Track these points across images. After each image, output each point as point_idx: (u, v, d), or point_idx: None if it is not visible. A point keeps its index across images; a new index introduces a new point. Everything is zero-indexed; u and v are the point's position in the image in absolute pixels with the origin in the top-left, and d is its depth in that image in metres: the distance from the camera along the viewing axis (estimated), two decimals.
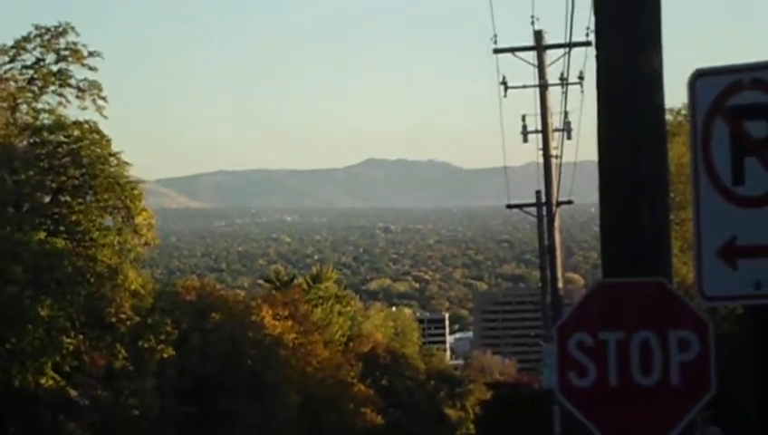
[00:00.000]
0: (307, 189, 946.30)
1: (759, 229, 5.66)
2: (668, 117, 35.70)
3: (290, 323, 49.29)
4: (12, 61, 37.43)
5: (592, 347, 6.26)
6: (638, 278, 6.50)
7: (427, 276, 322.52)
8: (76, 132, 36.97)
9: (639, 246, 6.89)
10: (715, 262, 5.73)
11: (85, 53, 37.57)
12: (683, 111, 36.68)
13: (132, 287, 37.46)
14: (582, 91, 31.12)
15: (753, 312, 5.66)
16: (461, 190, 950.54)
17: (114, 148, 37.77)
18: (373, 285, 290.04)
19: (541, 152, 32.14)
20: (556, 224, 33.87)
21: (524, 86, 32.36)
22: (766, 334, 5.62)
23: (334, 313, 66.54)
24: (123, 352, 36.51)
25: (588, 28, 27.76)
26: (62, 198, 37.50)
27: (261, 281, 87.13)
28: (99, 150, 37.06)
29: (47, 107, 37.89)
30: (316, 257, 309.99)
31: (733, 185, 5.71)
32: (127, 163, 38.02)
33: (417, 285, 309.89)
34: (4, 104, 36.92)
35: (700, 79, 5.87)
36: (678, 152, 32.11)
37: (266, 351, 44.18)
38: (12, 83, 37.39)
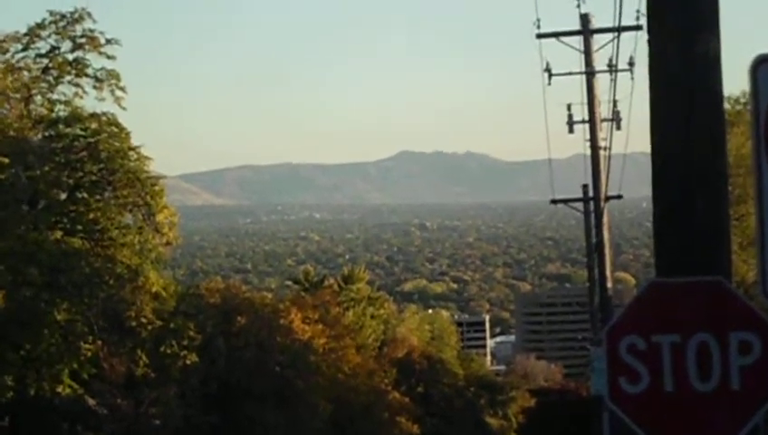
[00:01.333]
0: (337, 185, 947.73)
1: None
2: (726, 106, 35.44)
3: (320, 326, 49.40)
4: (25, 49, 37.39)
5: (645, 351, 6.24)
6: (694, 277, 6.45)
7: (465, 277, 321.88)
8: (93, 125, 37.08)
9: (696, 241, 6.77)
10: None
11: (102, 41, 37.56)
12: (741, 100, 36.41)
13: (153, 289, 37.63)
14: (632, 79, 30.94)
15: None
16: (502, 184, 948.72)
17: (134, 141, 37.95)
18: (408, 286, 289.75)
19: (588, 144, 31.98)
20: (604, 220, 33.72)
21: (570, 73, 32.22)
22: None
23: (367, 316, 66.63)
24: (144, 358, 36.71)
25: (638, 11, 27.59)
26: (80, 195, 37.67)
27: (289, 282, 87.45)
28: (117, 144, 37.19)
29: (63, 98, 38.02)
30: (347, 257, 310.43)
31: None
32: (147, 157, 38.18)
33: (455, 286, 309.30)
34: (18, 95, 37.08)
35: (763, 65, 5.85)
36: (737, 143, 31.90)
37: (295, 356, 44.28)
38: (25, 73, 37.48)
